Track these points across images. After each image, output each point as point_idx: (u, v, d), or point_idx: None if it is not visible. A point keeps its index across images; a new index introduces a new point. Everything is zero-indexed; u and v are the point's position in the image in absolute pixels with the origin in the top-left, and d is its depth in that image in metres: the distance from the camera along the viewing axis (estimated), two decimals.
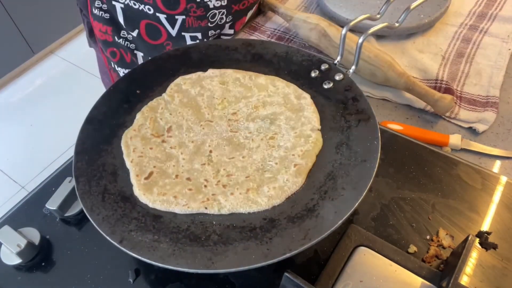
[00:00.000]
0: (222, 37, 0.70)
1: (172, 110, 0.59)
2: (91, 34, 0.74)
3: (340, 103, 0.57)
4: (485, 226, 0.54)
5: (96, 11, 0.63)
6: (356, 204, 0.44)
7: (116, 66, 0.69)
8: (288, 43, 0.91)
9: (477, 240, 0.51)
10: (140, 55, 0.66)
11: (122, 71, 0.70)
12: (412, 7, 0.61)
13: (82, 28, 2.65)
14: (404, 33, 0.86)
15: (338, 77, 0.59)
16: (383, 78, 0.74)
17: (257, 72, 0.63)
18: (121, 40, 0.65)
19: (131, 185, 0.50)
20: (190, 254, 0.42)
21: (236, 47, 0.66)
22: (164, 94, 0.61)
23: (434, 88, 0.76)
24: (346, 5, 0.91)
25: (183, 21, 0.63)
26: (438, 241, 0.52)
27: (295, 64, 0.63)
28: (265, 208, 0.47)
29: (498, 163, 0.65)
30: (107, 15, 0.63)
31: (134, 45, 0.65)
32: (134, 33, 0.63)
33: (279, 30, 0.94)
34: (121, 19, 0.62)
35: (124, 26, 0.63)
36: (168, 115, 0.58)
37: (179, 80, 0.63)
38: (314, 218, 0.45)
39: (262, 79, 0.62)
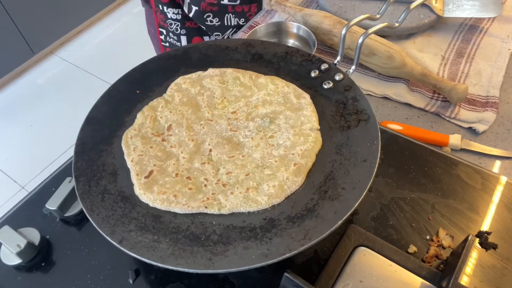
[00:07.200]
0: None
1: (172, 109, 0.59)
2: None
3: (340, 103, 0.57)
4: (485, 226, 0.54)
5: None
6: (356, 204, 0.44)
7: (165, 8, 0.98)
8: None
9: (477, 240, 0.51)
10: None
11: (171, 11, 0.98)
12: (412, 7, 0.61)
13: (82, 28, 2.66)
14: (404, 33, 0.86)
15: (338, 77, 0.59)
16: (401, 62, 0.74)
17: (257, 72, 0.63)
18: None
19: (131, 185, 0.50)
20: (190, 254, 0.42)
21: (236, 47, 0.66)
22: (164, 94, 0.61)
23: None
24: (346, 5, 0.91)
25: None
26: (438, 241, 0.52)
27: (295, 64, 0.63)
28: (265, 207, 0.47)
29: (498, 163, 0.65)
30: None
31: None
32: None
33: None
34: None
35: None
36: (168, 113, 0.58)
37: (179, 79, 0.63)
38: (314, 218, 0.45)
39: (262, 78, 0.62)
